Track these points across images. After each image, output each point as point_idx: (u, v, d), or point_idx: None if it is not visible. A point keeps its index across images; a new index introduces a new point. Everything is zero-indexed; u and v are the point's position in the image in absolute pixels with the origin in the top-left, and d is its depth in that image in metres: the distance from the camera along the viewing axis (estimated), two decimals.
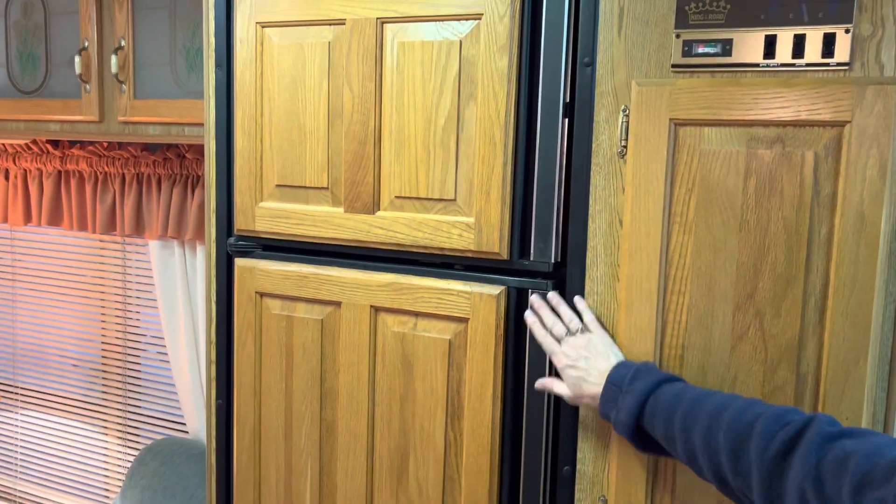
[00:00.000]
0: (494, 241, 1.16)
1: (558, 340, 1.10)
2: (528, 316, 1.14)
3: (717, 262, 1.03)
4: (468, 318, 1.18)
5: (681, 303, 1.06)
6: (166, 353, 2.35)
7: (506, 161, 1.14)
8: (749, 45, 1.01)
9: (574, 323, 1.10)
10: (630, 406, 0.99)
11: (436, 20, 1.17)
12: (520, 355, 1.17)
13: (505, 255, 1.16)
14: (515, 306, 1.16)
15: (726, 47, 1.02)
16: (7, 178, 2.45)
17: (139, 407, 2.55)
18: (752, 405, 0.89)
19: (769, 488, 0.82)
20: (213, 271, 1.41)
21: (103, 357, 2.58)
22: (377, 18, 1.21)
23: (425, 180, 1.20)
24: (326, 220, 1.28)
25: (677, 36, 1.04)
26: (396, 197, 1.23)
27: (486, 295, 1.16)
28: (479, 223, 1.16)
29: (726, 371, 1.04)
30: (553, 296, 1.13)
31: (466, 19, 1.15)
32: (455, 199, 1.18)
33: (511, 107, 1.13)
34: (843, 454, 0.76)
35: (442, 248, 1.20)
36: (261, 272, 1.34)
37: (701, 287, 1.04)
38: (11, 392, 2.77)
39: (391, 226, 1.23)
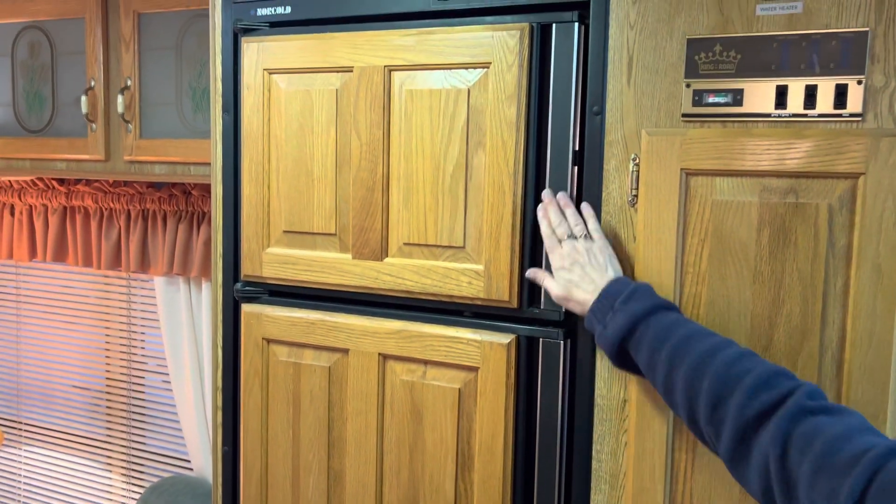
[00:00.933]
0: (504, 289, 1.15)
1: (560, 242, 1.09)
2: (540, 210, 1.13)
3: (731, 313, 1.02)
4: (478, 367, 1.17)
5: None
6: (171, 390, 2.34)
7: (514, 209, 1.13)
8: (760, 94, 1.00)
9: (579, 228, 1.08)
10: (619, 325, 0.99)
11: (444, 68, 1.17)
12: (531, 405, 1.16)
13: (514, 304, 1.15)
14: (526, 355, 1.15)
15: (737, 97, 1.01)
16: (13, 213, 2.45)
17: (143, 444, 2.53)
18: (743, 357, 0.89)
19: (737, 445, 0.83)
20: (220, 317, 1.40)
21: (107, 393, 2.57)
22: (385, 66, 1.20)
23: (434, 227, 1.19)
24: (334, 267, 1.27)
25: (687, 85, 1.04)
26: (405, 244, 1.22)
27: (496, 343, 1.15)
28: (488, 271, 1.15)
29: None
30: (563, 196, 1.11)
31: (475, 67, 1.15)
32: (464, 247, 1.17)
33: (520, 155, 1.12)
34: (813, 431, 0.76)
35: (451, 296, 1.19)
36: (268, 318, 1.33)
37: None
38: (16, 428, 2.75)
39: (399, 273, 1.22)
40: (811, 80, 0.98)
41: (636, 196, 1.06)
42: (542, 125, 1.13)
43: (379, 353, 1.24)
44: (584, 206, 1.10)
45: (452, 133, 1.17)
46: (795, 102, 0.99)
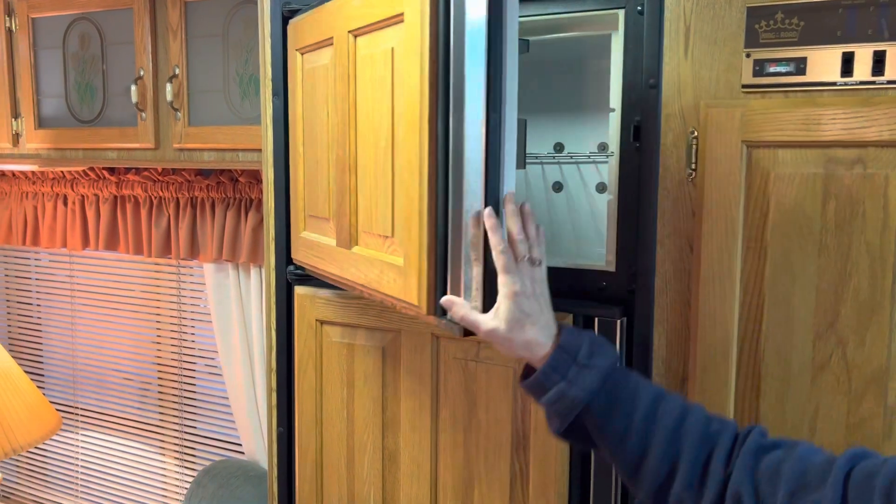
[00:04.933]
0: (412, 288, 0.97)
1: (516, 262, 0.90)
2: (490, 218, 0.90)
3: (795, 288, 0.99)
4: None
5: (757, 331, 1.02)
6: (221, 375, 2.37)
7: (424, 193, 0.94)
8: (825, 62, 0.97)
9: (537, 251, 0.92)
10: (589, 385, 0.87)
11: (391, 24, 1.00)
12: None
13: (424, 310, 0.96)
14: None
15: (800, 66, 0.98)
16: (66, 203, 2.51)
17: (194, 428, 2.57)
18: (704, 413, 0.87)
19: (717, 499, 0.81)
20: (273, 299, 1.41)
21: (159, 378, 2.62)
22: (349, 31, 1.08)
23: (377, 213, 1.06)
24: (328, 254, 1.21)
25: (747, 55, 1.01)
26: (363, 231, 1.10)
27: None
28: (405, 267, 0.99)
29: (807, 402, 1.00)
30: (528, 208, 0.94)
31: (396, 23, 1.00)
32: (392, 236, 1.03)
33: (433, 127, 0.96)
34: (776, 461, 0.78)
35: (384, 293, 1.05)
36: (320, 300, 1.34)
37: (778, 315, 1.01)
38: (72, 413, 2.83)
39: (357, 263, 1.12)
40: (880, 46, 0.94)
41: (695, 170, 1.04)
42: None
43: (431, 333, 1.24)
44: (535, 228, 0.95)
45: (383, 103, 1.02)
46: (862, 69, 0.96)
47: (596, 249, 1.51)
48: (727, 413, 1.04)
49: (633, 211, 1.12)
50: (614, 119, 1.15)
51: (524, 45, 1.06)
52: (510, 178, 0.93)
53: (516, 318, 0.88)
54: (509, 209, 0.91)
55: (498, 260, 0.89)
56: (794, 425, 1.00)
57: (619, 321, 1.11)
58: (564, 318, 1.13)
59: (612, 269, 1.15)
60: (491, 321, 0.89)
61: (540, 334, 0.89)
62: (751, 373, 1.03)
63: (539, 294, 0.90)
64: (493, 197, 0.92)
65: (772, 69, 1.00)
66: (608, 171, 1.51)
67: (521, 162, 1.03)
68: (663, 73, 1.06)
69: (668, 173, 1.07)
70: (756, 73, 1.01)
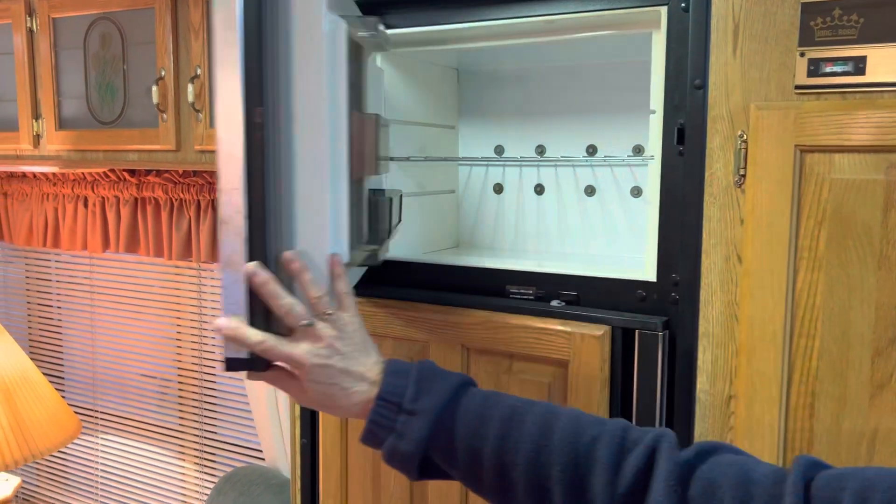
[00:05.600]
0: None
1: (292, 331, 0.80)
2: (261, 275, 0.79)
3: (853, 302, 0.93)
4: (568, 361, 1.10)
5: (810, 347, 0.96)
6: (241, 380, 2.34)
7: None
8: (886, 62, 0.91)
9: (324, 301, 0.80)
10: (418, 433, 0.77)
11: None
12: (627, 401, 1.09)
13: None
14: (622, 347, 1.08)
15: (859, 65, 0.92)
16: (86, 205, 2.48)
17: (215, 433, 2.54)
18: (576, 422, 0.76)
19: None
20: None
21: (179, 381, 2.59)
22: None
23: None
24: None
25: (801, 54, 0.95)
26: None
27: (588, 335, 1.09)
28: None
29: (865, 423, 0.94)
30: (293, 255, 0.80)
31: None
32: None
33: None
34: (708, 485, 0.68)
35: None
36: None
37: (834, 330, 0.94)
38: (92, 416, 2.81)
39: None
40: None
41: (744, 176, 0.98)
42: None
43: (461, 345, 1.19)
44: (332, 258, 0.84)
45: None
46: None
47: (632, 257, 1.45)
48: (776, 435, 0.98)
49: (676, 218, 1.07)
50: (655, 121, 1.10)
51: (362, 24, 0.96)
52: (313, 187, 0.82)
53: (326, 395, 0.80)
54: (291, 256, 0.81)
55: (264, 351, 0.79)
56: (851, 448, 0.94)
57: (660, 334, 1.05)
58: (600, 330, 1.07)
59: (651, 278, 1.10)
60: (302, 398, 0.82)
61: (358, 396, 0.80)
62: (804, 391, 0.97)
63: (341, 351, 0.80)
64: (257, 218, 0.79)
65: (828, 69, 0.94)
66: (646, 174, 1.45)
67: (372, 167, 0.96)
68: (710, 73, 1.00)
69: (715, 178, 1.01)
70: (811, 74, 0.95)
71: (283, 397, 2.17)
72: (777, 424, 0.98)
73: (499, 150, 1.61)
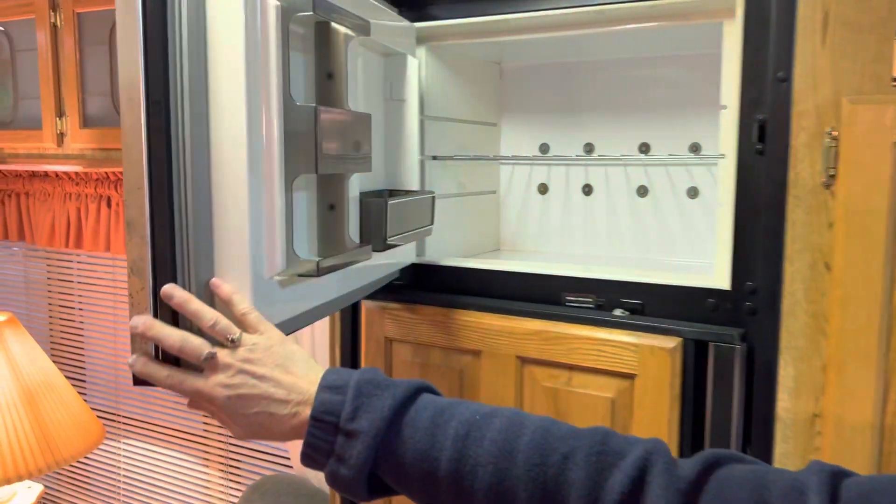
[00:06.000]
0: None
1: (199, 368, 0.72)
2: (146, 321, 0.71)
3: None
4: (635, 375, 1.03)
5: None
6: None
7: None
8: None
9: (220, 328, 0.71)
10: (359, 457, 0.67)
11: None
12: (699, 419, 1.01)
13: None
14: (694, 361, 1.01)
15: None
16: (109, 205, 2.43)
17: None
18: (545, 437, 0.65)
19: None
20: (337, 312, 1.30)
21: None
22: None
23: None
24: None
25: None
26: None
27: (657, 348, 1.01)
28: None
29: None
30: (172, 289, 0.71)
31: None
32: None
33: None
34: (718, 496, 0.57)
35: None
36: (390, 315, 1.22)
37: None
38: (115, 420, 2.75)
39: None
40: None
41: (833, 176, 0.90)
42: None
43: (517, 356, 1.12)
44: (214, 283, 0.74)
45: None
46: None
47: (688, 261, 1.38)
48: (869, 459, 0.90)
49: (753, 221, 0.99)
50: (727, 117, 1.02)
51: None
52: (230, 189, 0.72)
53: (253, 425, 0.71)
54: (175, 293, 0.71)
55: (172, 387, 0.72)
56: None
57: (738, 347, 0.98)
58: (671, 342, 1.00)
59: (724, 286, 1.02)
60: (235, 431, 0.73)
61: (288, 422, 0.70)
62: None
63: (257, 376, 0.70)
64: (161, 223, 0.70)
65: None
66: (704, 174, 1.37)
67: (311, 165, 0.81)
68: (795, 64, 0.92)
69: (799, 179, 0.93)
70: None
71: None
72: (870, 448, 0.90)
73: (544, 148, 1.53)
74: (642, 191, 1.43)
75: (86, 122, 2.04)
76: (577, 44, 1.36)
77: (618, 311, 1.08)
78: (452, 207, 1.40)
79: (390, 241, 1.01)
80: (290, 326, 0.85)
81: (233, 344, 0.71)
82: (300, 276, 0.82)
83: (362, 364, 1.25)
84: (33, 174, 2.54)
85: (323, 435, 0.68)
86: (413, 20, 1.21)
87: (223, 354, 0.70)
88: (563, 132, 1.51)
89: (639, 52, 1.41)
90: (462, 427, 0.67)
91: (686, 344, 1.00)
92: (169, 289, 0.71)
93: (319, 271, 0.82)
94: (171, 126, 0.69)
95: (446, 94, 1.37)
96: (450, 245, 1.38)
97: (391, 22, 1.12)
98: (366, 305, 1.24)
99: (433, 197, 1.19)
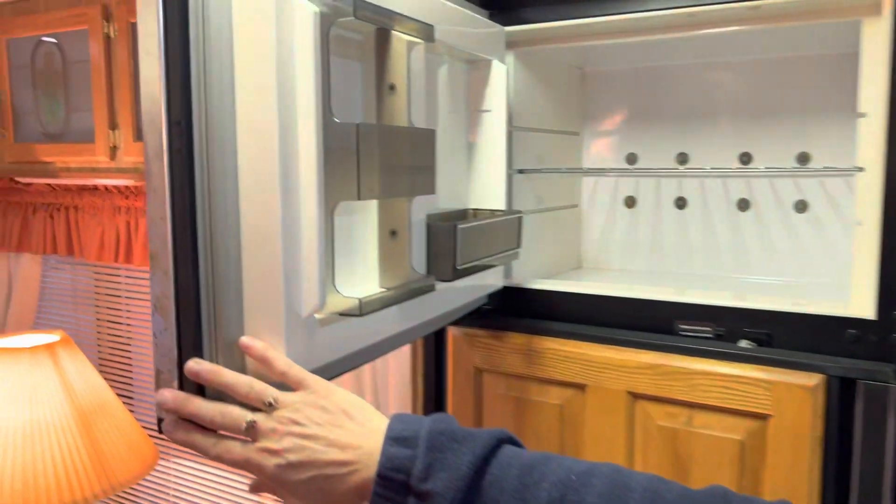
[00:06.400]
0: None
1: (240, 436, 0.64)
2: (178, 398, 0.63)
3: None
4: (769, 415, 0.92)
5: None
6: None
7: None
8: None
9: (255, 393, 0.63)
10: None
11: None
12: (845, 465, 0.90)
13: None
14: (839, 400, 0.90)
15: None
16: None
17: None
18: (654, 499, 0.57)
19: None
20: (419, 342, 1.21)
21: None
22: None
23: None
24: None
25: None
26: None
27: (795, 385, 0.90)
28: None
29: None
30: (197, 365, 0.63)
31: None
32: None
33: None
34: None
35: None
36: (481, 343, 1.13)
37: None
38: (164, 439, 2.69)
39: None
40: None
41: None
42: None
43: (627, 392, 1.02)
44: (244, 341, 0.65)
45: None
46: None
47: (796, 282, 1.26)
48: None
49: None
50: (867, 126, 0.91)
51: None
52: (262, 218, 0.64)
53: (312, 493, 0.62)
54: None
55: (224, 460, 0.65)
56: None
57: (892, 386, 0.86)
58: (812, 380, 0.89)
59: (869, 315, 0.91)
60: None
61: (347, 480, 0.61)
62: None
63: (305, 438, 0.61)
64: (185, 256, 0.62)
65: None
66: (812, 187, 1.26)
67: (352, 191, 0.70)
68: None
69: None
70: None
71: None
72: None
73: (631, 158, 1.43)
74: (743, 204, 1.32)
75: (139, 134, 1.97)
76: (668, 46, 1.26)
77: (743, 343, 0.97)
78: (533, 223, 1.30)
79: (462, 268, 0.90)
80: (338, 368, 0.76)
81: (271, 407, 0.62)
82: (342, 314, 0.72)
83: (449, 397, 1.16)
84: (83, 188, 2.49)
85: (392, 495, 0.59)
86: (503, 24, 1.12)
87: (264, 420, 0.62)
88: (653, 141, 1.40)
89: (737, 54, 1.30)
90: (556, 489, 0.58)
91: (830, 381, 0.89)
92: (193, 365, 0.62)
93: (363, 310, 0.71)
94: (195, 149, 0.61)
95: (532, 102, 1.27)
96: (533, 264, 1.29)
97: (473, 28, 1.01)
98: (452, 332, 1.15)
99: (520, 217, 1.09)
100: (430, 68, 0.98)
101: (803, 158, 1.27)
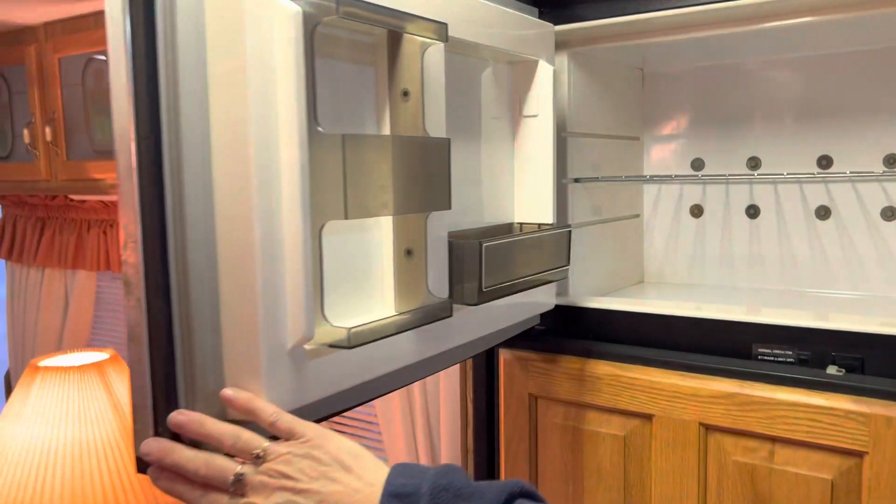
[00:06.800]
0: None
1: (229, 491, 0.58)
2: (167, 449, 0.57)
3: None
4: (865, 452, 0.81)
5: None
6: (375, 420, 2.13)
7: None
8: None
9: (242, 443, 0.57)
10: None
11: None
12: None
13: None
14: None
15: None
16: None
17: None
18: None
19: None
20: (469, 364, 1.13)
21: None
22: None
23: None
24: None
25: None
26: None
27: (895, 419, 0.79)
28: None
29: None
30: (180, 416, 0.57)
31: None
32: None
33: None
34: None
35: None
36: (535, 368, 1.04)
37: None
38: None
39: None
40: None
41: None
42: None
43: (699, 423, 0.92)
44: (225, 393, 0.58)
45: None
46: None
47: (887, 296, 1.14)
48: None
49: None
50: None
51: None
52: (239, 242, 0.57)
53: None
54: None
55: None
56: None
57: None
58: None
59: None
60: None
61: None
62: None
63: (295, 493, 0.55)
64: (155, 284, 0.56)
65: None
66: None
67: (339, 209, 0.62)
68: None
69: None
70: None
71: (422, 438, 1.94)
72: None
73: (697, 164, 1.32)
74: (823, 212, 1.21)
75: None
76: (735, 41, 1.15)
77: (832, 369, 0.86)
78: (591, 235, 1.21)
79: (489, 290, 0.79)
80: (339, 404, 0.68)
81: (260, 459, 0.56)
82: (332, 346, 0.63)
83: (502, 426, 1.08)
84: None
85: None
86: (556, 22, 1.04)
87: (252, 473, 0.56)
88: (721, 145, 1.30)
89: (809, 50, 1.19)
90: None
91: None
92: (176, 417, 0.56)
93: (351, 341, 0.62)
94: (164, 164, 0.55)
95: (588, 106, 1.18)
96: (590, 280, 1.20)
97: (513, 26, 0.90)
98: (503, 355, 1.07)
99: (568, 232, 0.98)
100: (471, 72, 0.90)
101: (892, 161, 1.15)
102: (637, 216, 1.37)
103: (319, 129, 0.58)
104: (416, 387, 1.67)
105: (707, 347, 0.96)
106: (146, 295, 0.54)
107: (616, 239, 1.31)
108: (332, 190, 0.59)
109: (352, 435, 2.32)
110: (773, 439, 0.87)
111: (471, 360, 1.12)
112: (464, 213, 0.87)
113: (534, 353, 1.04)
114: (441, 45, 0.70)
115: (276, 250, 0.57)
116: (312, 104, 0.58)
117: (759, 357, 0.92)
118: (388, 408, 1.97)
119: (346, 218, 0.59)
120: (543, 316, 1.04)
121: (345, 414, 2.28)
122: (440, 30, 0.68)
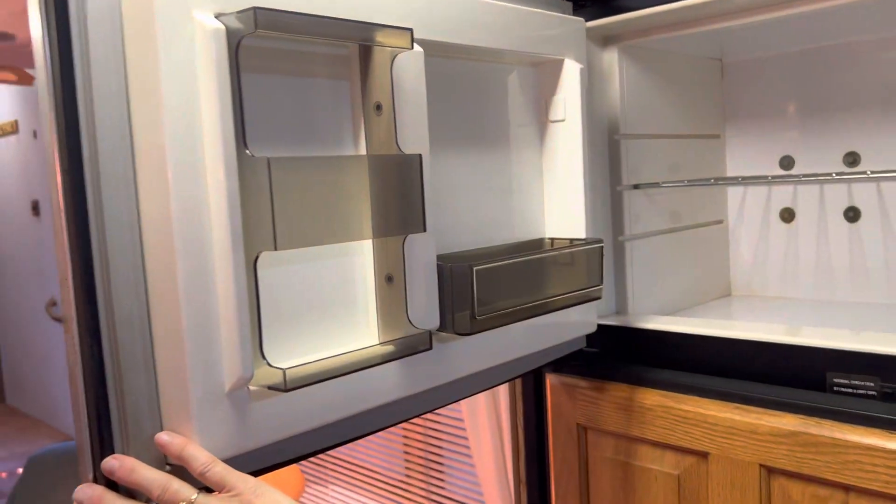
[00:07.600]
0: None
1: None
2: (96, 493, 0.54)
3: None
4: None
5: None
6: (467, 438, 2.08)
7: None
8: None
9: (175, 493, 0.52)
10: None
11: None
12: None
13: None
14: None
15: None
16: None
17: (442, 488, 2.31)
18: None
19: None
20: (518, 388, 1.06)
21: (405, 438, 2.40)
22: None
23: None
24: None
25: None
26: None
27: None
28: None
29: None
30: (113, 462, 0.54)
31: None
32: None
33: None
34: None
35: None
36: (583, 396, 0.95)
37: None
38: (322, 465, 2.72)
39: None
40: None
41: None
42: None
43: (760, 465, 0.80)
44: (159, 437, 0.55)
45: None
46: None
47: None
48: None
49: None
50: None
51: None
52: (167, 276, 0.54)
53: None
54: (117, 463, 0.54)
55: None
56: None
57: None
58: None
59: None
60: None
61: None
62: None
63: None
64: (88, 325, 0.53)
65: None
66: None
67: (268, 238, 0.56)
68: None
69: None
70: None
71: (509, 453, 1.87)
72: None
73: (786, 162, 1.17)
74: (851, 214, 1.07)
75: None
76: (828, 19, 1.00)
77: None
78: (663, 246, 1.10)
79: (484, 318, 0.70)
80: (294, 449, 0.62)
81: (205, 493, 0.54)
82: (270, 388, 0.57)
83: (551, 457, 0.99)
84: None
85: None
86: (597, 16, 0.94)
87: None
88: (814, 141, 1.14)
89: (846, 36, 1.02)
90: None
91: None
92: (109, 462, 0.54)
93: (288, 384, 0.56)
94: (88, 198, 0.52)
95: (650, 104, 1.07)
96: (662, 295, 1.09)
97: (529, 29, 0.81)
98: (550, 380, 0.98)
99: (600, 248, 0.85)
100: (497, 77, 0.83)
101: None
102: (721, 222, 1.24)
103: (247, 151, 0.54)
104: (462, 404, 1.61)
105: (773, 376, 0.84)
106: (78, 334, 0.52)
107: (695, 248, 1.19)
108: (264, 218, 0.54)
109: (437, 432, 2.28)
110: (847, 488, 0.74)
111: (519, 382, 1.05)
112: (488, 229, 0.80)
113: (581, 378, 0.95)
114: (412, 52, 0.63)
115: (208, 285, 0.53)
116: (240, 125, 0.53)
117: (835, 389, 0.79)
118: (475, 409, 1.91)
119: (275, 248, 0.54)
120: (593, 337, 0.95)
121: (438, 411, 2.24)
122: (403, 36, 0.62)
